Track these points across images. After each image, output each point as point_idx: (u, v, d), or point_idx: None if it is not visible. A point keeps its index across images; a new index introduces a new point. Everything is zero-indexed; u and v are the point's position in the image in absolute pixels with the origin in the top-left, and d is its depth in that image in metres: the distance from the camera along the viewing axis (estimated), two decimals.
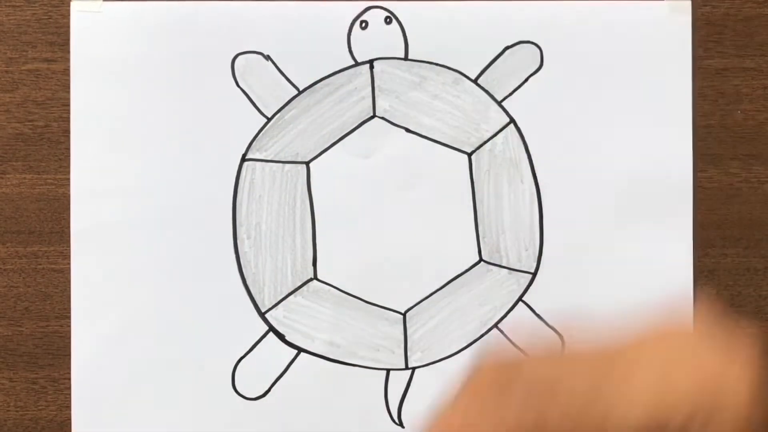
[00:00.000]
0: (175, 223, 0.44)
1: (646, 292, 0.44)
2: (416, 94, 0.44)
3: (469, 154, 0.44)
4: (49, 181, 0.44)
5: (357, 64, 0.44)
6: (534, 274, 0.44)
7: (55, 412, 0.44)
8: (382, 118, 0.44)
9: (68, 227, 0.44)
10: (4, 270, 0.44)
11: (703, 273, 0.45)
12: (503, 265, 0.44)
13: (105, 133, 0.44)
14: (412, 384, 0.44)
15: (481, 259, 0.44)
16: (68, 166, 0.44)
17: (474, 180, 0.44)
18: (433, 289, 0.44)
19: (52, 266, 0.44)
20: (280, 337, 0.44)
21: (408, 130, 0.44)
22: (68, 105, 0.44)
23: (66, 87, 0.44)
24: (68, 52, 0.44)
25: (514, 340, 0.44)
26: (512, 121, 0.44)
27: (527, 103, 0.44)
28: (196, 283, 0.44)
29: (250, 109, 0.44)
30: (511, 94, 0.44)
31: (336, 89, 0.44)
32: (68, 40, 0.44)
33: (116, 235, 0.44)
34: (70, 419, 0.44)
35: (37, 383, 0.44)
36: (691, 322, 0.37)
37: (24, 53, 0.44)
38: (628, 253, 0.44)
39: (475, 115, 0.44)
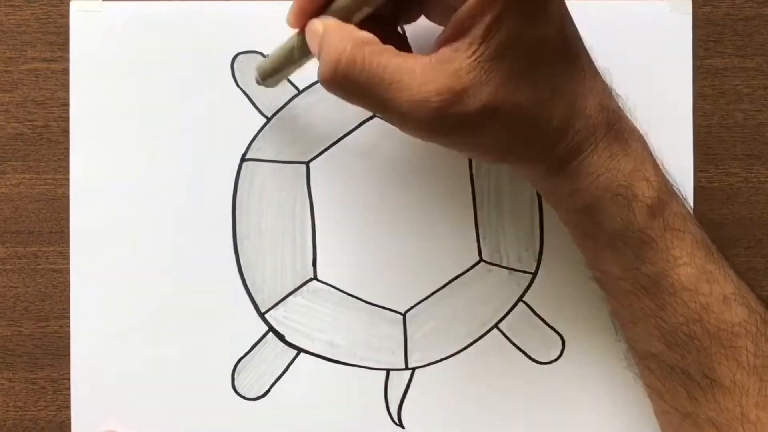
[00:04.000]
0: (174, 222, 0.44)
1: None
2: None
3: None
4: (49, 180, 0.44)
5: None
6: (534, 274, 0.44)
7: (54, 412, 0.44)
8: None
9: (68, 227, 0.44)
10: (4, 270, 0.44)
11: None
12: (503, 265, 0.44)
13: (105, 133, 0.44)
14: (412, 384, 0.44)
15: (481, 259, 0.44)
16: (68, 166, 0.44)
17: (474, 180, 0.44)
18: (433, 289, 0.44)
19: (52, 266, 0.44)
20: (280, 337, 0.44)
21: None
22: (68, 105, 0.44)
23: (65, 87, 0.44)
24: (68, 51, 0.44)
25: (514, 340, 0.44)
26: None
27: None
28: (196, 283, 0.44)
29: (250, 109, 0.44)
30: None
31: None
32: (68, 39, 0.44)
33: (116, 235, 0.44)
34: (69, 419, 0.44)
35: (37, 383, 0.44)
36: None
37: (23, 53, 0.44)
38: None
39: None
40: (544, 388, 0.44)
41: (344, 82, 0.34)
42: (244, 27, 0.44)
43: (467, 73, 0.33)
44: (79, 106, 0.44)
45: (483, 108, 0.33)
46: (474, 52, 0.33)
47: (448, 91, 0.33)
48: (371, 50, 0.33)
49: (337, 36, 0.34)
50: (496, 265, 0.44)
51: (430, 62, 0.33)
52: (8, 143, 0.44)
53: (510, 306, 0.44)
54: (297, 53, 0.38)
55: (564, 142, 0.36)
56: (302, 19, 0.36)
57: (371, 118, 0.44)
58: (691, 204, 0.44)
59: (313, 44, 0.35)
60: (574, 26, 0.36)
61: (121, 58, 0.44)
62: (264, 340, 0.44)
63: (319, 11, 0.36)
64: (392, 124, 0.35)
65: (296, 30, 0.37)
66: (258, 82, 0.40)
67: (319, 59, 0.35)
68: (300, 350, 0.44)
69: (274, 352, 0.44)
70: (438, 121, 0.33)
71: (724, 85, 0.45)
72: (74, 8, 0.44)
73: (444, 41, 0.34)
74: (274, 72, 0.40)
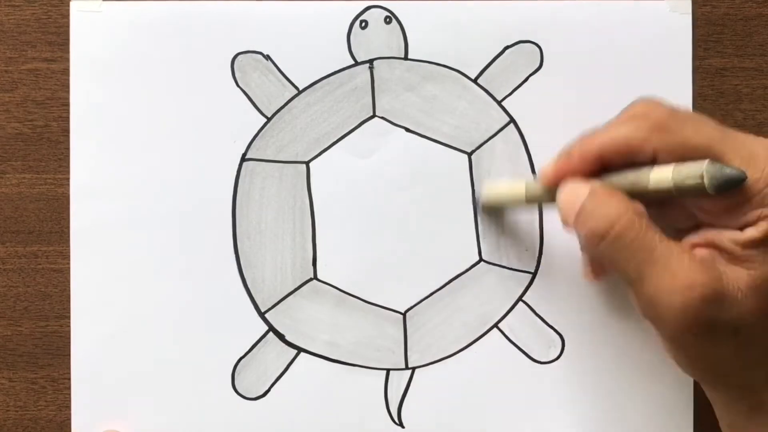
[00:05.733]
0: (175, 222, 0.44)
1: None
2: (416, 93, 0.44)
3: (469, 154, 0.44)
4: (49, 180, 0.44)
5: (357, 63, 0.44)
6: (534, 274, 0.44)
7: (54, 412, 0.44)
8: (382, 117, 0.44)
9: (68, 227, 0.44)
10: (4, 270, 0.44)
11: None
12: (503, 265, 0.44)
13: (105, 133, 0.44)
14: (412, 384, 0.44)
15: (481, 259, 0.44)
16: (68, 166, 0.44)
17: (474, 180, 0.44)
18: (433, 289, 0.44)
19: (52, 266, 0.44)
20: (280, 337, 0.44)
21: (408, 130, 0.44)
22: (68, 105, 0.44)
23: (66, 87, 0.44)
24: (68, 51, 0.44)
25: (514, 339, 0.44)
26: (512, 120, 0.44)
27: (527, 103, 0.44)
28: (196, 283, 0.44)
29: (250, 109, 0.44)
30: (511, 93, 0.44)
31: (336, 89, 0.44)
32: (68, 39, 0.44)
33: (116, 235, 0.44)
34: (69, 419, 0.44)
35: (37, 383, 0.44)
36: None
37: (23, 53, 0.44)
38: None
39: (475, 114, 0.44)
40: (544, 388, 0.44)
41: (614, 245, 0.34)
42: (244, 27, 0.44)
43: (735, 287, 0.33)
44: (80, 106, 0.44)
45: (735, 320, 0.33)
46: (751, 276, 0.34)
47: (713, 291, 0.33)
48: (646, 223, 0.34)
49: (613, 200, 0.35)
50: (496, 264, 0.44)
51: (694, 257, 0.34)
52: (8, 143, 0.44)
53: (510, 306, 0.44)
54: (527, 198, 0.40)
55: None
56: (557, 179, 0.38)
57: (371, 118, 0.44)
58: None
59: (569, 202, 0.36)
60: None
61: (121, 58, 0.44)
62: (264, 339, 0.44)
63: (578, 174, 0.38)
64: (635, 299, 0.35)
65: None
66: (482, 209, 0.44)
67: (575, 222, 0.36)
68: (300, 350, 0.44)
69: (274, 352, 0.44)
70: (686, 314, 0.33)
71: (724, 85, 0.45)
72: (74, 8, 0.44)
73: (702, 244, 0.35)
74: (495, 207, 0.44)
